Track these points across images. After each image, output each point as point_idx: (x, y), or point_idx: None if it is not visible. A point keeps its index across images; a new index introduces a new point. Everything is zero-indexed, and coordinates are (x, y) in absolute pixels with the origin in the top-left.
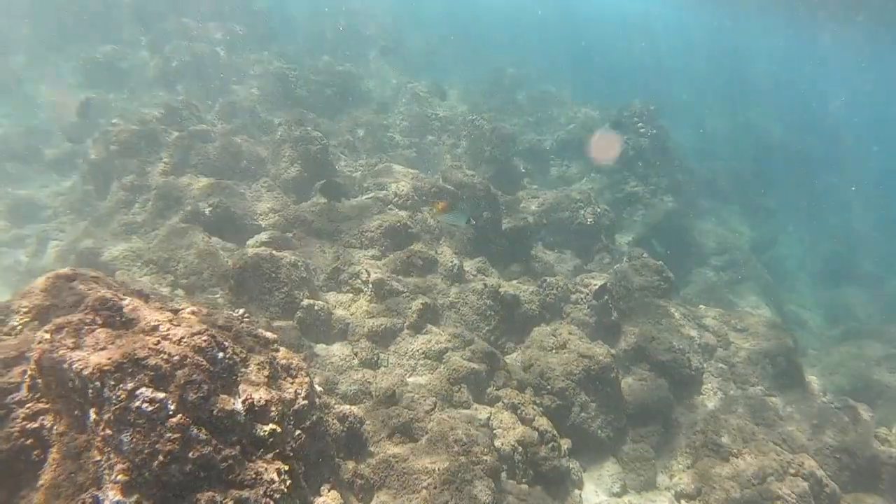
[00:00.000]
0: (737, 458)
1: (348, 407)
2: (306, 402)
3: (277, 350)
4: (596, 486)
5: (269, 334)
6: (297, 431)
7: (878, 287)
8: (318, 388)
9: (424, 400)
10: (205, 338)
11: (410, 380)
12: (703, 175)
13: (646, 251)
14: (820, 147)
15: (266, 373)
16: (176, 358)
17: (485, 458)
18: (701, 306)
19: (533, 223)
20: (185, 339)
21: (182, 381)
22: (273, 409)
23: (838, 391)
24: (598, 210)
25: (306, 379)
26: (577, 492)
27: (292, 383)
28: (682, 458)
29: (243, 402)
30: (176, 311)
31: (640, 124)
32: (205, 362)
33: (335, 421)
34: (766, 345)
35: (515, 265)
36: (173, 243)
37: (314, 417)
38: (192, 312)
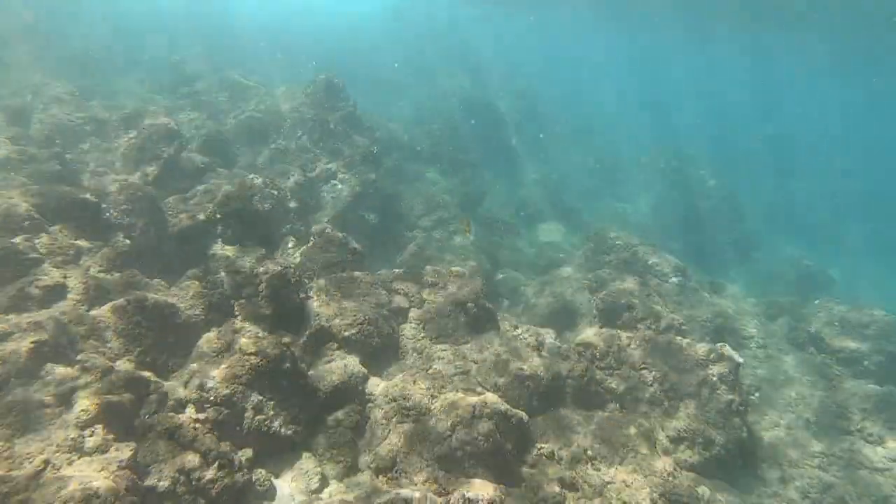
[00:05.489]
0: (427, 416)
1: None
2: None
3: None
4: (292, 488)
5: None
6: None
7: (578, 218)
8: None
9: (36, 459)
10: None
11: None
12: (405, 141)
13: (353, 225)
14: (522, 106)
15: None
16: None
17: None
18: (395, 270)
19: (205, 220)
20: None
21: None
22: None
23: (539, 320)
24: (276, 193)
25: None
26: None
27: None
28: (379, 431)
29: None
30: None
31: (326, 99)
32: None
33: None
34: (457, 294)
35: (192, 270)
36: None
37: None
38: None
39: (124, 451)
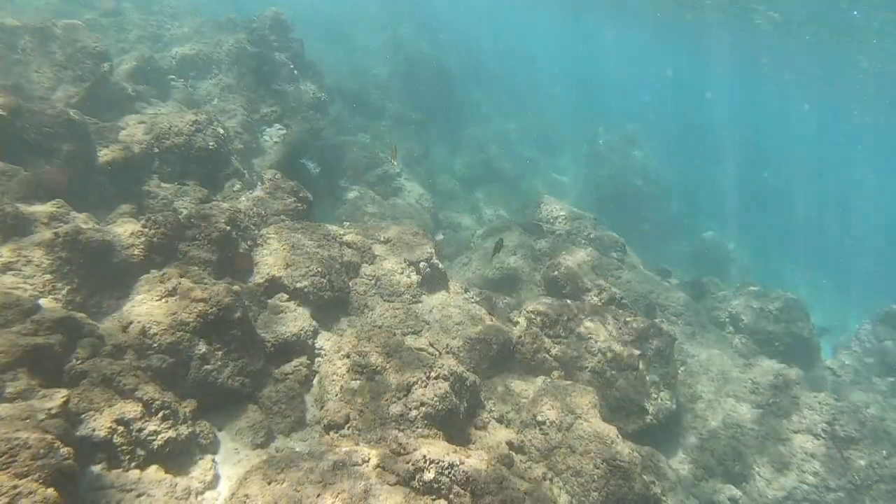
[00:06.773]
0: (382, 374)
1: None
2: None
3: None
4: (236, 442)
5: None
6: None
7: (516, 183)
8: None
9: None
10: None
11: None
12: (352, 91)
13: (294, 173)
14: (466, 64)
15: None
16: None
17: (40, 462)
18: (345, 223)
19: (140, 153)
20: None
21: None
22: None
23: (486, 284)
24: (222, 132)
25: None
26: (209, 457)
27: None
28: (330, 387)
29: None
30: None
31: (272, 37)
32: None
33: None
34: (408, 253)
35: (125, 205)
36: None
37: None
38: None
39: (54, 398)
